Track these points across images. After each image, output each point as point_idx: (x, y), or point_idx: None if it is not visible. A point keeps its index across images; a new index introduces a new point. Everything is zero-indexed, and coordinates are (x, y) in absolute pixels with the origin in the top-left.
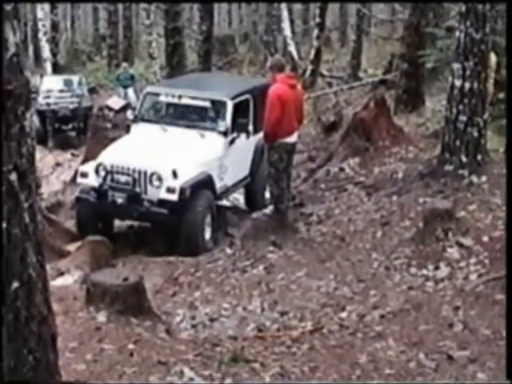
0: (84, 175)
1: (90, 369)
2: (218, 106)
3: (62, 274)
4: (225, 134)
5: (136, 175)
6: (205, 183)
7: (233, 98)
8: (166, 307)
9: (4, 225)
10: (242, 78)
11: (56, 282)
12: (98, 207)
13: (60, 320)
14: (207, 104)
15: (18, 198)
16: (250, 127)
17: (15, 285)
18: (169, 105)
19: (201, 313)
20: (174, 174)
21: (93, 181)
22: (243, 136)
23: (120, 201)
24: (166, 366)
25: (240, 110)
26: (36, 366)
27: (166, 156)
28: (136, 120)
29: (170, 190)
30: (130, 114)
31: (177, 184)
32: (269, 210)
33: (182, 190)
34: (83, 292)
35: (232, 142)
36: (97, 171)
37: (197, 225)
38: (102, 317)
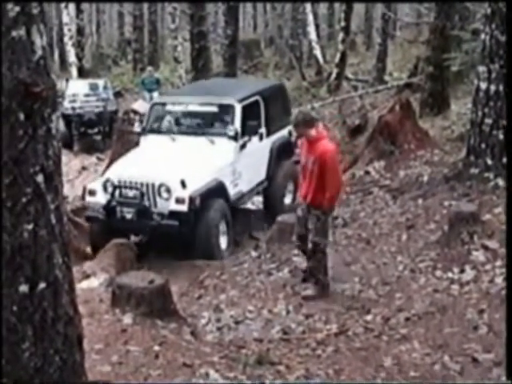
0: (92, 193)
1: (115, 371)
2: (226, 111)
3: (87, 276)
4: (235, 138)
5: (144, 189)
6: (216, 191)
7: (241, 101)
8: (191, 310)
9: (31, 226)
10: (250, 80)
11: (82, 285)
12: (108, 224)
13: (86, 322)
14: (215, 109)
15: (44, 199)
16: (263, 130)
17: (42, 285)
18: (176, 114)
19: (226, 315)
20: (183, 184)
21: (101, 198)
22: (255, 139)
23: (129, 216)
24: (192, 368)
25: (250, 112)
26: (62, 366)
27: (174, 166)
28: (144, 132)
29: (180, 201)
30: (137, 127)
31: (186, 194)
32: (312, 290)
33: (192, 200)
34: (109, 294)
35: (243, 146)
36: (104, 188)
37: (210, 235)
38: (127, 319)
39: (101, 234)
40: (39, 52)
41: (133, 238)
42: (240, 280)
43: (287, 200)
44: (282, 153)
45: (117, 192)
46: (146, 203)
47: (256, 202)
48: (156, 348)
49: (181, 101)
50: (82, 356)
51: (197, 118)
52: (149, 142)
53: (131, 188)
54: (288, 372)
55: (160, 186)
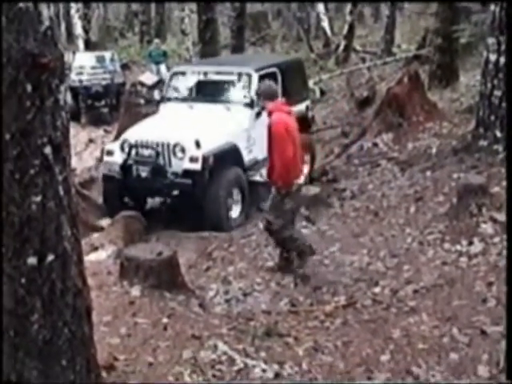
0: (110, 153)
1: (123, 343)
2: (243, 79)
3: (95, 248)
4: (251, 105)
5: (160, 148)
6: (230, 153)
7: (258, 70)
8: (199, 282)
9: (39, 198)
10: (269, 54)
11: (90, 257)
12: (124, 183)
13: (94, 294)
14: (233, 78)
15: (52, 171)
16: None
17: (50, 257)
18: (195, 82)
19: (234, 287)
20: (197, 144)
21: (118, 158)
22: None
23: (144, 174)
24: (200, 340)
25: None
26: (71, 338)
27: (190, 128)
28: (163, 100)
29: (193, 160)
30: (157, 95)
31: (200, 153)
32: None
33: (205, 159)
34: (117, 266)
35: (259, 114)
36: (122, 148)
37: (220, 198)
38: (135, 291)
39: (116, 192)
40: (46, 23)
41: (149, 202)
42: (248, 252)
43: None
44: (298, 126)
45: (133, 151)
46: (161, 162)
47: (264, 175)
48: (164, 320)
49: (200, 70)
50: (90, 328)
51: (215, 86)
52: (168, 109)
53: (147, 147)
54: (296, 344)
55: (175, 145)
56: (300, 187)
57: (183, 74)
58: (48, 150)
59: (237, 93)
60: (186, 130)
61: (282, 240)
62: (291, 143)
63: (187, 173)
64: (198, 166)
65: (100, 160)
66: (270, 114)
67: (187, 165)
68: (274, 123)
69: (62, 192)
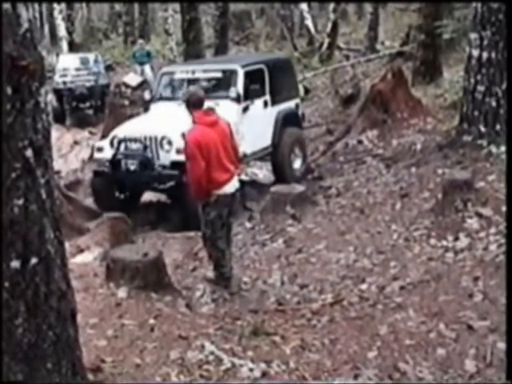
0: (100, 150)
1: (110, 345)
2: (229, 75)
3: (81, 251)
4: (237, 100)
5: (147, 142)
6: None
7: (244, 67)
8: (186, 282)
9: (21, 201)
10: (257, 53)
11: (76, 259)
12: (113, 177)
13: (80, 297)
14: (219, 74)
15: (34, 174)
16: (267, 97)
17: (34, 261)
18: (184, 81)
19: (221, 287)
20: (184, 136)
21: (108, 153)
22: (259, 104)
23: (133, 167)
24: (187, 340)
25: (253, 78)
26: (56, 341)
27: (177, 123)
28: (153, 100)
29: (180, 151)
30: (146, 95)
31: None
32: (212, 273)
33: None
34: (103, 268)
35: (246, 108)
36: (111, 143)
37: None
38: (122, 293)
39: (107, 187)
40: (25, 25)
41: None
42: (234, 251)
43: (296, 164)
44: (287, 121)
45: (122, 146)
46: (149, 155)
47: (250, 174)
48: (151, 321)
49: (188, 69)
50: (75, 330)
51: (203, 83)
52: (157, 107)
53: (135, 141)
54: (283, 342)
55: (162, 138)
56: (223, 197)
57: (172, 73)
58: (29, 152)
59: (224, 88)
60: (173, 124)
61: (209, 251)
62: (203, 159)
63: (174, 164)
64: (184, 157)
65: (90, 158)
66: (194, 122)
67: (174, 156)
68: (186, 140)
69: (44, 195)
